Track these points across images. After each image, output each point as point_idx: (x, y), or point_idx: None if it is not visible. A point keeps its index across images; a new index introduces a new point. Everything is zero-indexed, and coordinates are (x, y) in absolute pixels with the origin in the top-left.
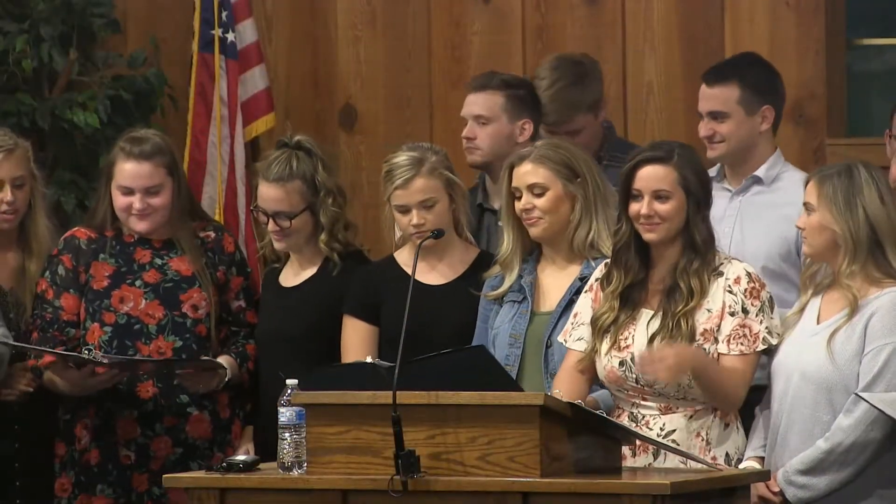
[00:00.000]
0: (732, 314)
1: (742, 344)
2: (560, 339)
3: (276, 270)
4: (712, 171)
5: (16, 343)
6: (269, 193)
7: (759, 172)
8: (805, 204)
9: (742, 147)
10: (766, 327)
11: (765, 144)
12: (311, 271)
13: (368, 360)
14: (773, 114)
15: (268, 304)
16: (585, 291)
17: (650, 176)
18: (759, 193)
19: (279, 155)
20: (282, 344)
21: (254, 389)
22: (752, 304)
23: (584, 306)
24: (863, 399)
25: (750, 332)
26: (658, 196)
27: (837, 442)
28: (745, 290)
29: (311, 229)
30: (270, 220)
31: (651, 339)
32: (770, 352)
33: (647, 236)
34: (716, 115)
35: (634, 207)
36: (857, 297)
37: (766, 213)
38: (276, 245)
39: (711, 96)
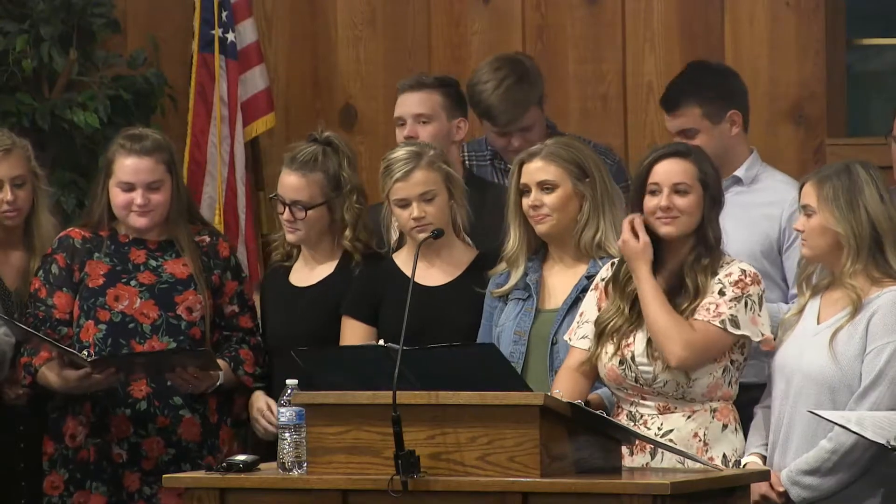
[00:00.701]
0: (711, 293)
1: (700, 314)
2: (566, 337)
3: (284, 269)
4: None
5: (24, 327)
6: (289, 181)
7: (739, 173)
8: (803, 207)
9: (718, 155)
10: (733, 315)
11: (739, 147)
12: (327, 270)
13: (381, 342)
14: (741, 117)
15: (277, 304)
16: (592, 290)
17: (670, 170)
18: (740, 193)
19: (306, 147)
20: (296, 343)
21: (268, 390)
22: (732, 291)
23: (590, 305)
24: (822, 417)
25: (715, 308)
26: (677, 190)
27: (841, 442)
28: (734, 281)
29: (325, 226)
30: (286, 209)
31: (649, 340)
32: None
33: (665, 230)
34: (686, 133)
35: (652, 202)
36: (861, 296)
37: (747, 212)
38: (289, 237)
39: (674, 119)
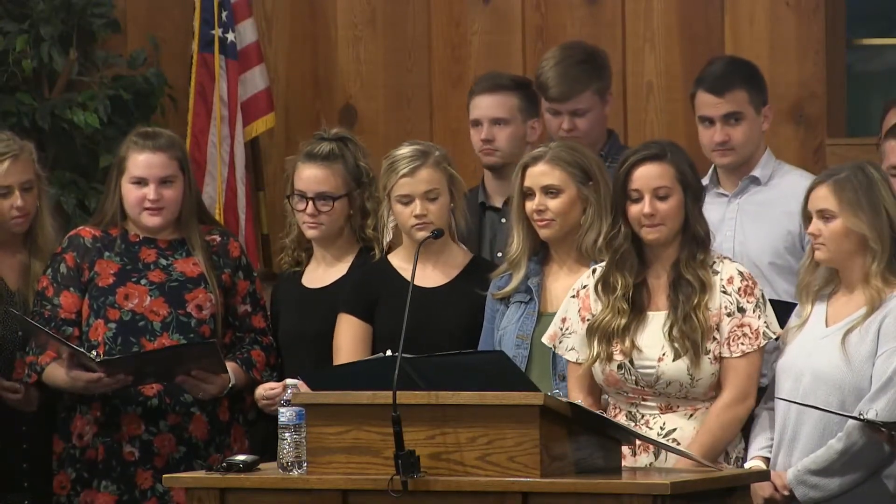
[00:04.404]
0: (729, 314)
1: (743, 343)
2: (547, 342)
3: (296, 274)
4: (704, 180)
5: (39, 326)
6: (311, 174)
7: (756, 173)
8: (820, 211)
9: (751, 150)
10: (765, 322)
11: (761, 144)
12: (340, 271)
13: (388, 353)
14: (772, 115)
15: (291, 306)
16: (572, 297)
17: (648, 175)
18: (758, 193)
19: (320, 143)
20: (311, 345)
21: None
22: (748, 302)
23: (572, 313)
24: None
25: (750, 329)
26: (658, 195)
27: (852, 442)
28: (739, 288)
29: (344, 221)
30: (310, 204)
31: (669, 336)
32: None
33: (650, 237)
34: (732, 118)
35: (635, 209)
36: (881, 295)
37: (767, 211)
38: (310, 233)
39: (724, 101)
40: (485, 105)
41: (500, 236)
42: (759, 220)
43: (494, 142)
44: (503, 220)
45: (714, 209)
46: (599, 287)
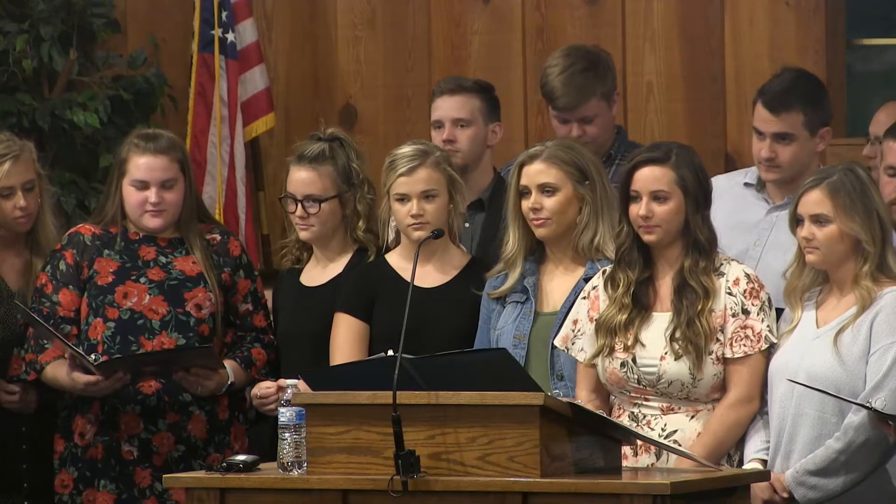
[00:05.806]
0: (734, 315)
1: (745, 345)
2: (559, 344)
3: (296, 271)
4: (750, 178)
5: (40, 321)
6: (300, 176)
7: None
8: (815, 215)
9: (800, 169)
10: (768, 325)
11: (814, 164)
12: (337, 269)
13: (389, 352)
14: (829, 136)
15: (289, 305)
16: (583, 298)
17: (648, 177)
18: None
19: (313, 144)
20: (306, 343)
21: None
22: (753, 304)
23: (583, 314)
24: (797, 383)
25: (753, 331)
26: (656, 197)
27: (850, 441)
28: (745, 290)
29: (338, 221)
30: (298, 206)
31: (672, 338)
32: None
33: (647, 238)
34: (782, 138)
35: (633, 209)
36: (871, 294)
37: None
38: (302, 234)
39: (778, 120)
40: (447, 106)
41: (463, 241)
42: (785, 244)
43: (456, 143)
44: (466, 225)
45: (752, 210)
46: (608, 284)
